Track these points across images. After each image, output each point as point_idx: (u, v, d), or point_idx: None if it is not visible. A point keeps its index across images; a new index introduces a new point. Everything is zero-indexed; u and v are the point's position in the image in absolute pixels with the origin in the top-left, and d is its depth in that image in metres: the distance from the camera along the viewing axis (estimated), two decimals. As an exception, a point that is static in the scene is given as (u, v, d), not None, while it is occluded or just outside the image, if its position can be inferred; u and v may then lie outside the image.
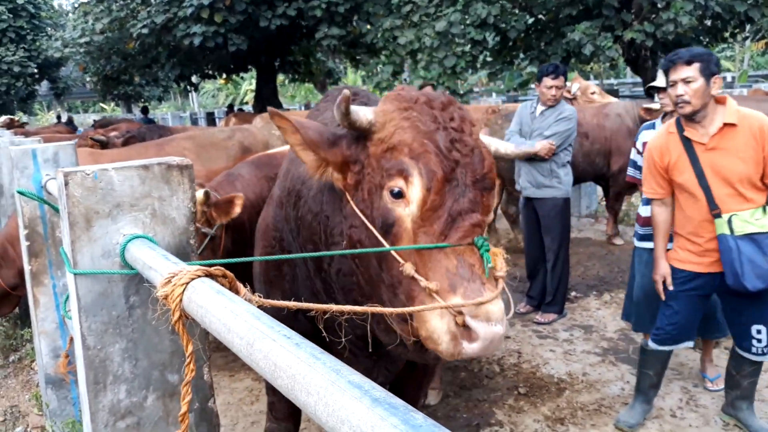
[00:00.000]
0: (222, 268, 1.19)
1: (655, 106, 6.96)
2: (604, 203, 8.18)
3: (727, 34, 13.58)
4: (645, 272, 3.74)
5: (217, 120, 22.77)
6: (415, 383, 2.75)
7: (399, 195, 1.65)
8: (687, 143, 3.07)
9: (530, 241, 5.23)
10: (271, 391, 2.79)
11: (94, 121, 21.94)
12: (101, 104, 43.99)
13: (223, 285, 1.16)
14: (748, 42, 29.07)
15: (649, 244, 3.60)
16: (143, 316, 1.68)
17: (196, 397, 1.80)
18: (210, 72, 16.27)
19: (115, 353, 1.65)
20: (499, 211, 7.41)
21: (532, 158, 4.81)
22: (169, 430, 1.75)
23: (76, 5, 16.24)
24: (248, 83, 36.25)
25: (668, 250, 3.32)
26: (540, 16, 13.81)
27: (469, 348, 1.49)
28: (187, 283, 1.13)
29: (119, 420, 1.67)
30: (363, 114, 1.72)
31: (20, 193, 2.08)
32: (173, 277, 1.17)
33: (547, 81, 4.76)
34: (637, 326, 4.04)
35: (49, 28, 22.36)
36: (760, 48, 31.06)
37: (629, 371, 4.19)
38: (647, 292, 3.70)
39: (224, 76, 17.44)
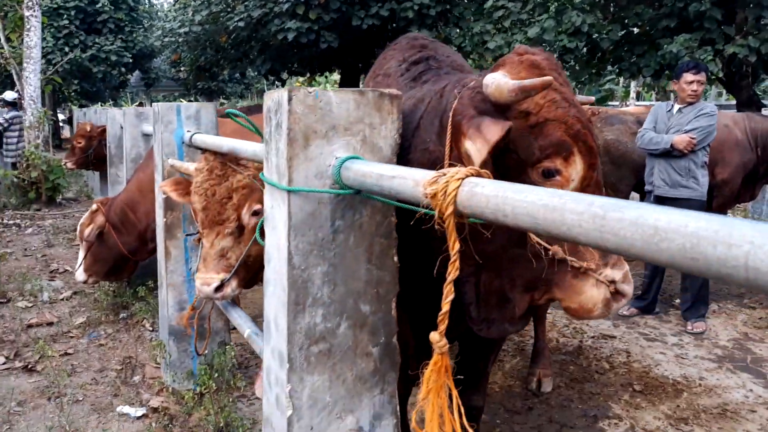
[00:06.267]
0: (486, 171, 1.16)
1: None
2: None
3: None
4: None
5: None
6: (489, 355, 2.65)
7: (552, 174, 1.58)
8: None
9: None
10: None
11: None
12: (181, 99, 45.69)
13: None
14: None
15: None
16: (345, 241, 1.68)
17: (382, 332, 1.79)
18: (297, 69, 16.60)
19: (317, 276, 1.66)
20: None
21: (668, 154, 4.63)
22: (355, 361, 1.75)
23: (176, -2, 16.94)
24: (321, 86, 36.87)
25: None
26: (633, 29, 13.43)
27: (615, 307, 1.64)
28: (463, 179, 1.11)
29: (313, 344, 1.68)
30: (505, 85, 1.54)
31: (229, 114, 2.12)
32: (441, 176, 1.15)
33: (688, 76, 4.59)
34: None
35: (145, 21, 23.49)
36: None
37: (750, 380, 3.98)
38: None
39: (308, 75, 17.75)
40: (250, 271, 2.70)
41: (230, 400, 3.31)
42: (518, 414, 3.54)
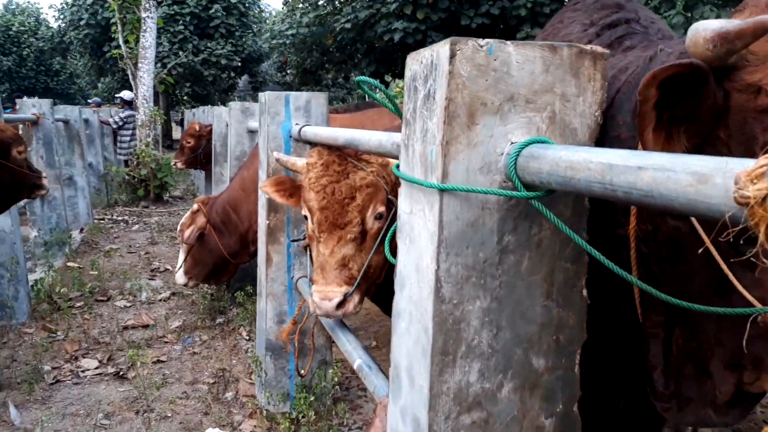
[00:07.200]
0: None
1: None
2: None
3: None
4: None
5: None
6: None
7: None
8: None
9: None
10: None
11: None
12: (286, 103, 46.81)
13: None
14: None
15: None
16: (516, 265, 1.16)
17: (560, 396, 1.25)
18: (401, 72, 16.32)
19: (474, 314, 1.15)
20: None
21: None
22: (521, 437, 1.22)
23: (284, 1, 17.11)
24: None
25: None
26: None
27: None
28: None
29: (464, 413, 1.17)
30: (703, 31, 0.98)
31: (359, 82, 1.66)
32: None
33: None
34: None
35: (255, 26, 24.12)
36: None
37: None
38: None
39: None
40: (369, 284, 2.24)
41: (330, 430, 2.87)
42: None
